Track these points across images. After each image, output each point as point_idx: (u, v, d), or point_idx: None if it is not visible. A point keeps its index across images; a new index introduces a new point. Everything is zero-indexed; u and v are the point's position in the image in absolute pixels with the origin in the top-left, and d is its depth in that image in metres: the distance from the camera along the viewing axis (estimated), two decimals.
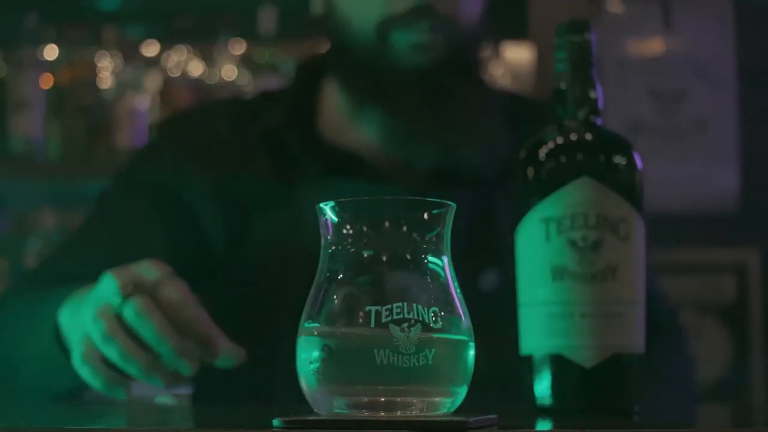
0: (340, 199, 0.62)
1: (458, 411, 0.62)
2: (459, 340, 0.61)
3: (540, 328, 0.78)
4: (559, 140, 0.81)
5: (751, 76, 2.35)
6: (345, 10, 1.17)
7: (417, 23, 1.13)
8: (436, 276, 0.62)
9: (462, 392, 0.62)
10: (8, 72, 2.10)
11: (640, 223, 0.80)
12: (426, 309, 0.60)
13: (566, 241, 0.78)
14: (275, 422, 0.58)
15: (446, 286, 0.62)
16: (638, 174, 0.81)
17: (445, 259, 0.63)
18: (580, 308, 0.77)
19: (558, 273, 0.78)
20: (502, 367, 0.83)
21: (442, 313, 0.61)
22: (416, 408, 0.59)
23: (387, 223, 0.62)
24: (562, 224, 0.78)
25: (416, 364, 0.59)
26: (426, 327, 0.60)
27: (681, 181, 2.35)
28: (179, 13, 2.14)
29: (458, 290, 0.63)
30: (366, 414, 0.59)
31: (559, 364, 0.78)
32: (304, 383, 0.61)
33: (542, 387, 0.79)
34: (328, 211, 0.63)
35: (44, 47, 2.13)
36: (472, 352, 0.62)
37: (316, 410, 0.61)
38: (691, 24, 2.38)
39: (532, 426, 0.67)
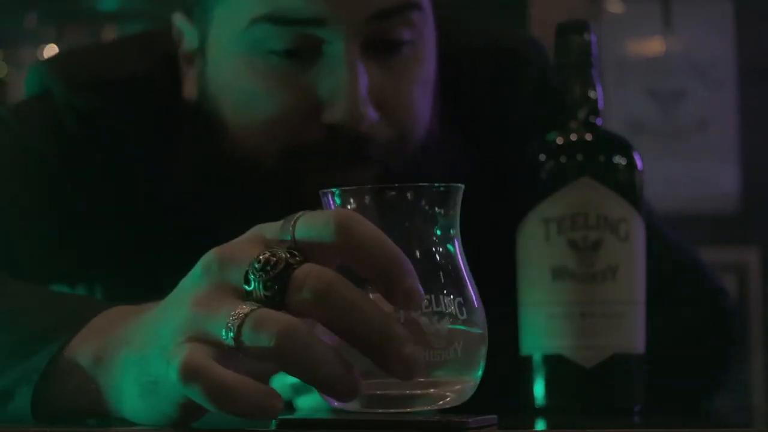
0: (345, 187, 0.60)
1: (458, 411, 0.62)
2: (480, 332, 0.60)
3: (540, 328, 0.78)
4: (559, 140, 0.81)
5: (751, 76, 2.35)
6: (238, 109, 0.89)
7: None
8: (450, 265, 0.60)
9: (476, 385, 0.61)
10: (8, 72, 2.10)
11: (640, 223, 0.80)
12: (451, 300, 0.58)
13: (566, 241, 0.78)
14: (275, 422, 0.58)
15: (461, 275, 0.60)
16: (638, 174, 0.81)
17: (457, 244, 0.61)
18: (580, 308, 0.77)
19: (558, 273, 0.78)
20: (501, 367, 0.83)
21: (464, 304, 0.59)
22: (431, 402, 0.58)
23: (395, 212, 0.60)
24: (562, 224, 0.78)
25: (444, 358, 0.57)
26: (454, 319, 0.58)
27: (681, 181, 2.35)
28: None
29: (471, 277, 0.61)
30: (379, 411, 0.58)
31: (559, 364, 0.78)
32: None
33: (542, 387, 0.79)
34: (332, 198, 0.61)
35: (44, 47, 2.13)
36: (487, 340, 0.61)
37: (329, 404, 0.60)
38: (691, 24, 2.38)
39: (532, 426, 0.67)
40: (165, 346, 0.56)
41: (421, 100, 0.90)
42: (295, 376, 0.55)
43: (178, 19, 0.94)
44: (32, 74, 1.00)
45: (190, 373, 0.53)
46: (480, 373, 0.60)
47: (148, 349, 0.58)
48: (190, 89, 0.94)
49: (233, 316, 0.54)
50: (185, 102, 0.94)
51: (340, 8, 0.84)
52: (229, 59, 0.89)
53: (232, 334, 0.53)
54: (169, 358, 0.55)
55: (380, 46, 0.86)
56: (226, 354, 0.54)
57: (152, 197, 0.94)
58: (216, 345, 0.54)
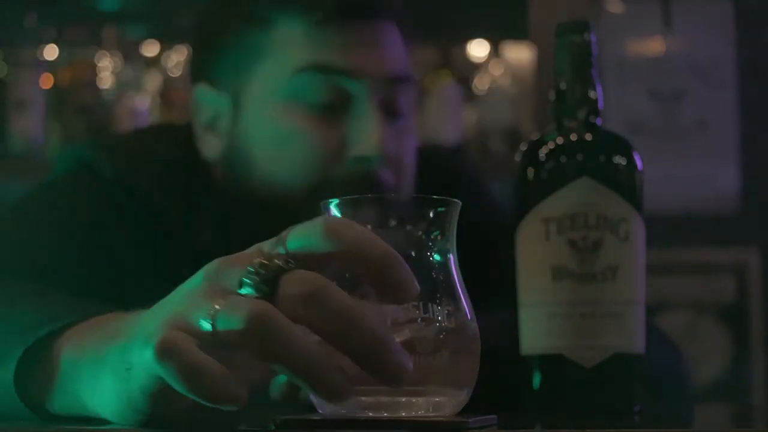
0: (345, 197, 0.62)
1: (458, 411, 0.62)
2: (470, 340, 0.61)
3: (540, 328, 0.78)
4: (559, 140, 0.81)
5: (751, 76, 2.35)
6: (266, 165, 1.09)
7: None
8: (444, 275, 0.61)
9: (469, 392, 0.61)
10: (8, 72, 2.10)
11: (640, 223, 0.80)
12: (440, 308, 0.60)
13: (566, 241, 0.78)
14: (275, 422, 0.58)
15: (454, 285, 0.62)
16: (638, 174, 0.81)
17: (452, 257, 0.62)
18: (580, 308, 0.77)
19: (558, 273, 0.78)
20: (501, 367, 0.83)
21: (455, 313, 0.60)
22: (421, 408, 0.59)
23: (392, 222, 0.61)
24: (562, 224, 0.78)
25: (431, 364, 0.58)
26: (441, 327, 0.59)
27: (681, 181, 2.34)
28: (179, 13, 2.14)
29: (465, 289, 0.62)
30: (369, 414, 0.58)
31: (559, 364, 0.78)
32: None
33: (542, 387, 0.79)
34: (332, 209, 0.62)
35: (44, 47, 2.13)
36: (479, 352, 0.62)
37: (319, 410, 0.60)
38: (691, 24, 2.38)
39: (532, 426, 0.67)
40: (149, 334, 0.57)
41: (411, 161, 1.12)
42: (273, 365, 0.55)
43: (199, 90, 1.13)
44: (73, 152, 1.16)
45: (165, 350, 0.55)
46: (472, 381, 0.61)
47: (132, 340, 0.59)
48: (212, 150, 1.13)
49: (214, 307, 0.55)
50: (206, 162, 1.13)
51: (365, 66, 1.06)
52: (269, 106, 1.08)
53: (209, 321, 0.55)
54: (147, 339, 0.56)
55: (388, 111, 1.08)
56: (209, 348, 0.55)
57: (185, 247, 1.10)
58: (198, 336, 0.56)
